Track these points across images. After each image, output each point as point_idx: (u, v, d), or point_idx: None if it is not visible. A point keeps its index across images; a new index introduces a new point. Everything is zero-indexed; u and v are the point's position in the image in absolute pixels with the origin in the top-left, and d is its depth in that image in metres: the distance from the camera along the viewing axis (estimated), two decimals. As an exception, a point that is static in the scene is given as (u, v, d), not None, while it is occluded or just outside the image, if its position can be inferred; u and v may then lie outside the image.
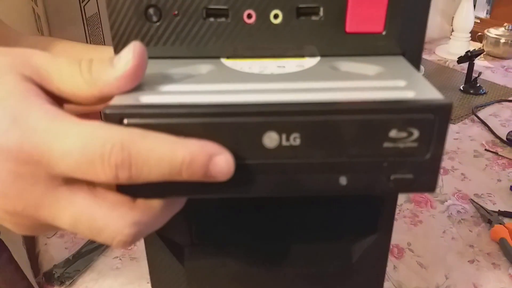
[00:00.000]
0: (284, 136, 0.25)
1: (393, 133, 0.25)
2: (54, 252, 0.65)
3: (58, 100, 0.27)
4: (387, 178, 0.26)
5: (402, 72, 0.29)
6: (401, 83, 0.27)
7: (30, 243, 0.67)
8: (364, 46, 0.31)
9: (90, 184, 0.25)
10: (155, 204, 0.26)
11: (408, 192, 0.28)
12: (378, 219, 0.38)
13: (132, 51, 0.26)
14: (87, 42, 0.67)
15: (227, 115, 0.24)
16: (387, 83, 0.28)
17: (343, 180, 0.26)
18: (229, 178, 0.25)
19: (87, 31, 0.66)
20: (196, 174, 0.24)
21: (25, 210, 0.24)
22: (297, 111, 0.24)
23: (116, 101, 0.26)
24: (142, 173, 0.23)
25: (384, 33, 0.30)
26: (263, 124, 0.25)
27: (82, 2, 0.64)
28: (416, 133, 0.25)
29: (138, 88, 0.27)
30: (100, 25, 0.68)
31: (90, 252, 0.63)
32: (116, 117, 0.24)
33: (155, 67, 0.31)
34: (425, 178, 0.26)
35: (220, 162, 0.24)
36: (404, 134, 0.25)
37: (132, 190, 0.26)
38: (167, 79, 0.29)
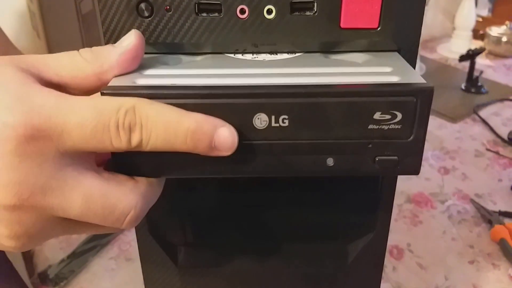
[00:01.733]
0: (273, 118, 0.26)
1: (377, 115, 0.26)
2: (49, 252, 0.65)
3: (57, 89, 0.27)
4: (372, 159, 0.27)
5: (390, 61, 0.30)
6: (387, 69, 0.28)
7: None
8: (358, 42, 0.31)
9: (94, 167, 0.26)
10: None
11: (393, 174, 0.30)
12: (374, 217, 0.37)
13: (133, 34, 0.27)
14: (82, 39, 0.67)
15: (219, 97, 0.25)
16: (373, 69, 0.29)
17: (330, 161, 0.27)
18: (220, 158, 0.26)
19: (82, 28, 0.66)
20: (201, 143, 0.25)
21: (31, 197, 0.23)
22: (286, 93, 0.26)
23: (113, 83, 0.27)
24: (151, 137, 0.24)
25: (379, 28, 0.30)
26: (253, 106, 0.26)
27: (78, -1, 0.64)
28: (399, 116, 0.26)
29: (134, 71, 0.28)
30: (96, 22, 0.68)
31: (85, 252, 0.62)
32: None
33: (149, 55, 0.31)
34: (409, 160, 0.27)
35: (225, 133, 0.25)
36: (388, 116, 0.26)
37: (132, 169, 0.27)
38: (163, 64, 0.30)
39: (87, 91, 0.27)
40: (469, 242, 0.69)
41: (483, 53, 1.31)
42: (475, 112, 1.06)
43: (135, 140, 0.24)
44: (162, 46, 0.31)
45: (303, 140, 0.27)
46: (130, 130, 0.24)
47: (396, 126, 0.26)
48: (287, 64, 0.30)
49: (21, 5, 0.68)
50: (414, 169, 0.27)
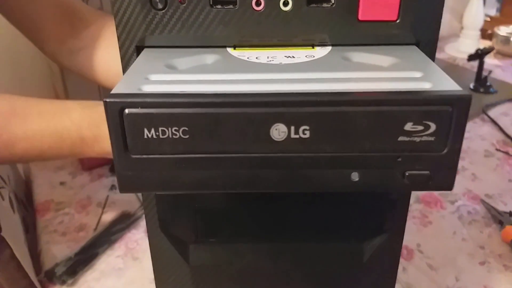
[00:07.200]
0: (293, 128, 0.24)
1: (408, 126, 0.23)
2: (56, 250, 0.64)
3: None
4: (402, 174, 0.25)
5: (417, 63, 0.28)
6: (417, 74, 0.26)
7: (32, 241, 0.66)
8: (377, 35, 0.30)
9: None
10: None
11: (424, 189, 0.27)
12: (390, 217, 0.37)
13: None
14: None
15: (233, 105, 0.23)
16: (402, 73, 0.26)
17: (355, 176, 0.25)
18: (235, 172, 0.24)
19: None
20: None
21: None
22: (307, 101, 0.23)
23: (118, 88, 0.25)
24: None
25: (398, 21, 0.29)
26: (270, 116, 0.23)
27: (86, -3, 0.64)
28: (433, 127, 0.23)
29: (141, 76, 0.26)
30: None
31: (92, 251, 0.62)
32: (116, 106, 0.23)
33: (160, 56, 0.30)
34: (442, 175, 0.25)
35: None
36: (420, 128, 0.23)
37: (137, 184, 0.25)
38: (172, 68, 0.29)
39: None
40: (480, 243, 0.68)
41: (492, 53, 1.30)
42: (484, 112, 1.05)
43: None
44: (174, 38, 0.31)
45: (325, 153, 0.24)
46: None
47: (429, 138, 0.24)
48: (306, 68, 0.28)
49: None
50: (447, 185, 0.25)
